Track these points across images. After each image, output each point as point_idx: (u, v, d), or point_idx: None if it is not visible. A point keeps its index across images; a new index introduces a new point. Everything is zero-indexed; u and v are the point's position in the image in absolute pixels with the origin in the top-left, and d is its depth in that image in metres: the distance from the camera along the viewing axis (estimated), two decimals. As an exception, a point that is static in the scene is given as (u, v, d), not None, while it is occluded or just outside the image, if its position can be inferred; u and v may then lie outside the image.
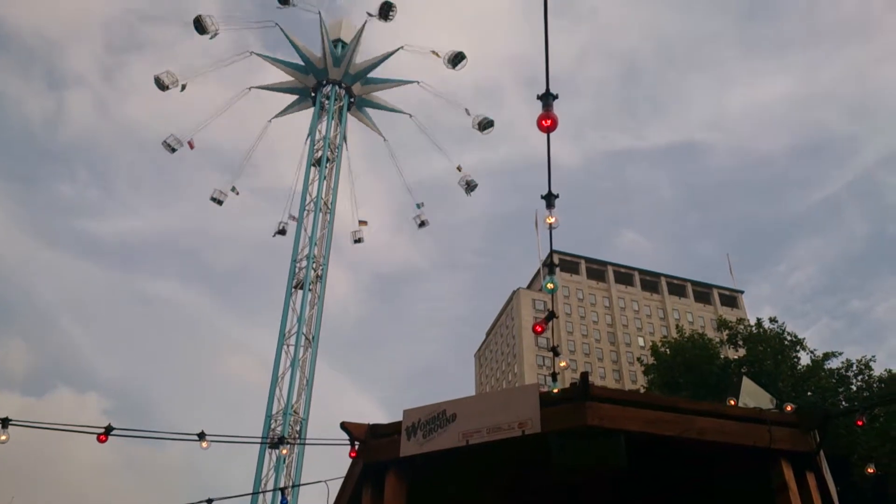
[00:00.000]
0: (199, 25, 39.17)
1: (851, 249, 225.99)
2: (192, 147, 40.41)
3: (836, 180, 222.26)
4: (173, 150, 40.22)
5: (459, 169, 42.41)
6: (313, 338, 35.06)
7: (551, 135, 5.97)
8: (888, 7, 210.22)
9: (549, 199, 7.13)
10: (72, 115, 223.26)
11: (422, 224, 43.42)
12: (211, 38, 39.68)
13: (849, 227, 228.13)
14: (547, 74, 5.35)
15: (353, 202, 41.29)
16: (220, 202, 41.15)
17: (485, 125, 41.33)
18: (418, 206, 43.34)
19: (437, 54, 41.10)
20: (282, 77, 42.97)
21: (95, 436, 8.60)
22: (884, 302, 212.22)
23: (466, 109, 41.42)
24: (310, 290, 35.86)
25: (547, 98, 5.53)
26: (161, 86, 39.33)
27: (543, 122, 5.59)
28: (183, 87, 39.74)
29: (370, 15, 40.96)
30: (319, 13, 41.65)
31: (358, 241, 42.63)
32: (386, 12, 40.53)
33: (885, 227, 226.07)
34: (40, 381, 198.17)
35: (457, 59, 40.83)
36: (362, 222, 42.73)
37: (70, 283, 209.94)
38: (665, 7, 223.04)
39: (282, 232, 41.07)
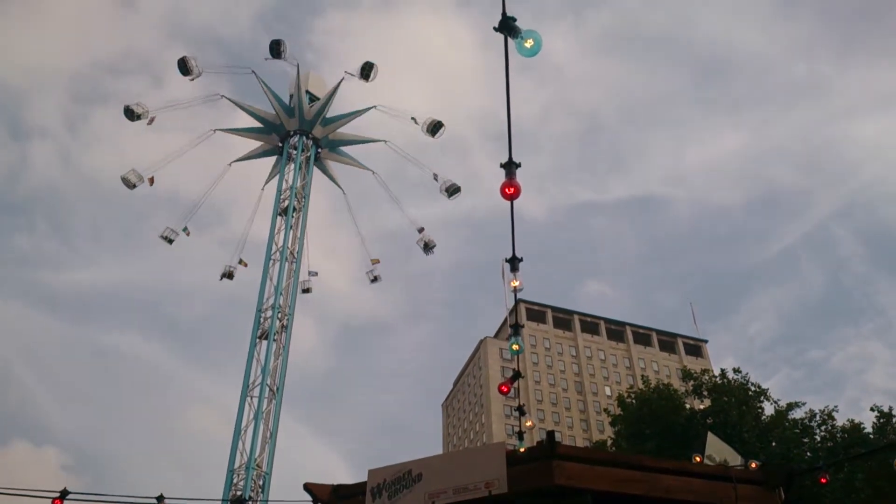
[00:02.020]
0: (184, 66, 39.29)
1: (808, 300, 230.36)
2: (151, 183, 39.97)
3: (792, 233, 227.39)
4: (133, 185, 39.74)
5: (420, 231, 42.58)
6: (278, 389, 34.52)
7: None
8: (836, 70, 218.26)
9: (514, 262, 7.17)
10: (34, 166, 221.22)
11: (374, 280, 43.45)
12: (192, 80, 39.78)
13: (805, 279, 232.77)
14: (510, 144, 5.41)
15: (307, 252, 40.81)
16: (170, 241, 40.56)
17: (452, 191, 41.49)
18: (373, 262, 43.46)
19: (415, 121, 41.25)
20: (249, 124, 43.03)
21: (51, 500, 8.41)
22: (840, 352, 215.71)
23: (435, 175, 41.64)
24: (275, 340, 35.39)
25: (510, 167, 5.56)
26: (131, 116, 39.19)
27: (507, 190, 5.63)
28: (151, 120, 39.59)
29: (350, 74, 41.21)
30: (297, 65, 41.89)
31: (306, 290, 42.38)
32: (367, 73, 40.81)
33: (840, 277, 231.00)
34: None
35: (435, 127, 41.05)
36: (312, 273, 42.54)
37: (26, 335, 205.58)
38: (625, 67, 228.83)
39: (229, 276, 40.75)
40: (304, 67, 42.90)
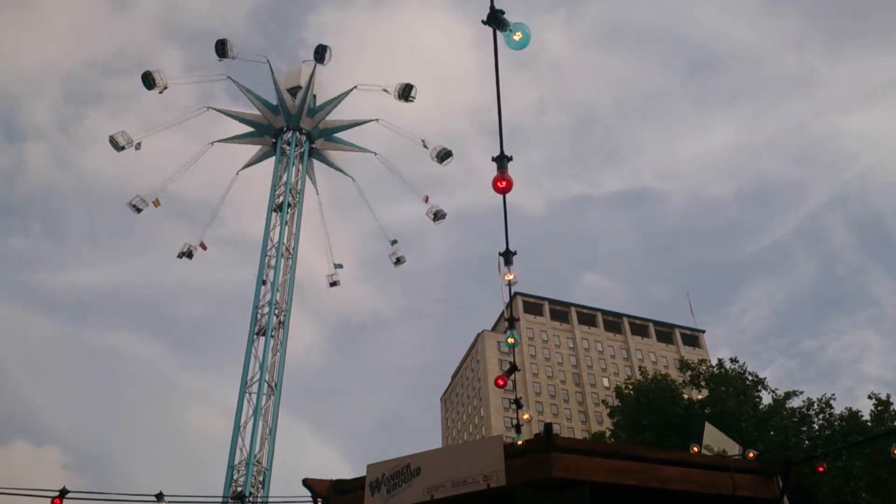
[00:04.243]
0: (148, 80, 39.18)
1: (801, 291, 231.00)
2: (138, 148, 39.91)
3: (784, 224, 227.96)
4: (139, 210, 39.92)
5: (426, 200, 42.30)
6: (276, 385, 34.53)
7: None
8: (826, 63, 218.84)
9: (508, 256, 7.15)
10: (29, 168, 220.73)
11: (398, 261, 43.03)
12: (160, 93, 39.68)
13: (798, 269, 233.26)
14: (501, 138, 5.40)
15: (328, 247, 40.92)
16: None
17: (443, 156, 41.11)
18: (392, 243, 43.09)
19: (425, 145, 40.96)
20: (242, 126, 42.93)
21: (50, 499, 8.39)
22: (834, 341, 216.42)
23: (423, 141, 41.35)
24: (272, 336, 35.38)
25: (501, 160, 5.55)
26: (116, 146, 39.27)
27: (499, 183, 5.61)
28: (138, 146, 39.66)
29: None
30: (268, 61, 41.56)
31: (334, 284, 42.94)
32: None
33: (832, 268, 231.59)
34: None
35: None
36: (338, 265, 42.64)
37: (23, 336, 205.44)
38: (618, 61, 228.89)
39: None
40: (297, 65, 42.82)
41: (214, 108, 43.04)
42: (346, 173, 43.60)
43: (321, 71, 41.99)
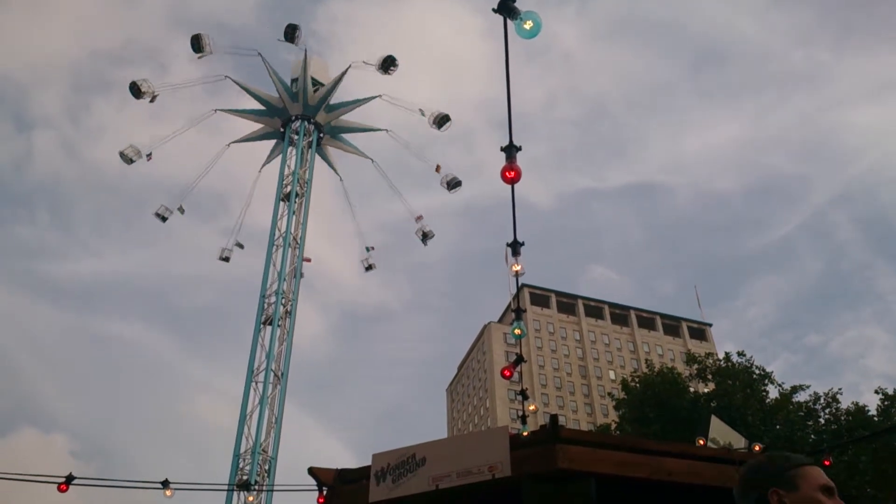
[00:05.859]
0: (196, 43, 39.23)
1: (806, 285, 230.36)
2: (149, 159, 40.03)
3: (790, 219, 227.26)
4: (131, 161, 39.69)
5: (418, 219, 42.15)
6: (282, 375, 34.64)
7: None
8: (834, 58, 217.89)
9: (515, 247, 7.13)
10: (38, 157, 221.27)
11: (369, 268, 43.26)
12: (200, 58, 39.73)
13: (803, 264, 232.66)
14: (510, 127, 5.37)
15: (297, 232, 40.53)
16: (164, 218, 40.43)
17: (453, 185, 40.86)
18: (368, 249, 43.09)
19: (422, 113, 40.76)
20: (252, 109, 42.97)
21: (57, 486, 8.44)
22: (838, 336, 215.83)
23: (437, 167, 41.17)
24: (279, 325, 35.47)
25: (510, 150, 5.52)
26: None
27: (507, 173, 5.58)
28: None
29: (368, 64, 40.93)
30: (305, 50, 41.58)
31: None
32: (388, 66, 40.60)
33: (838, 263, 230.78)
34: (2, 421, 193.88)
35: (442, 121, 40.54)
36: (306, 259, 42.50)
37: (29, 325, 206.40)
38: (625, 54, 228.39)
39: (225, 259, 40.81)
40: (308, 54, 42.75)
41: (221, 110, 43.03)
42: (365, 155, 43.52)
43: (331, 63, 42.05)
